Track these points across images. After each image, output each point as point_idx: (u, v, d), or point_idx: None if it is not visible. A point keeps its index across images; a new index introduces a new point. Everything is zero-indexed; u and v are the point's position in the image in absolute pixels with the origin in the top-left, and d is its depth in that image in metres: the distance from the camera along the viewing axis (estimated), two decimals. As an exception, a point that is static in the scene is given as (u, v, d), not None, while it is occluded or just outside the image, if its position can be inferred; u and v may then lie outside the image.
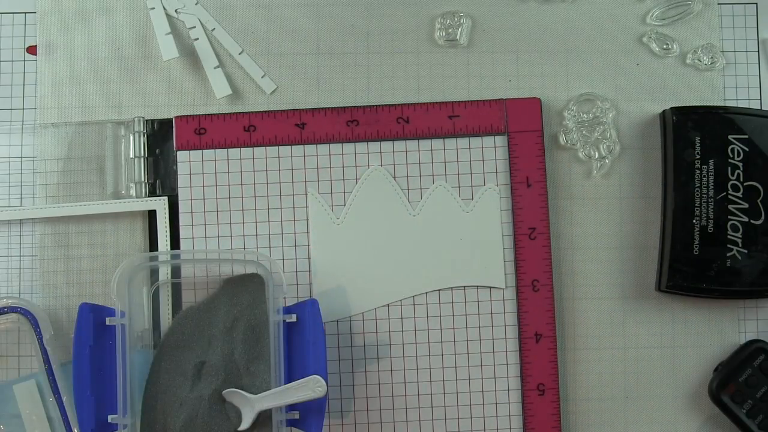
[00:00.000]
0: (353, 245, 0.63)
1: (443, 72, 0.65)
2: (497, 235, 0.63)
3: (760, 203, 0.61)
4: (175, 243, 0.62)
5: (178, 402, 0.59)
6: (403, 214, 0.63)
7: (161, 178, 0.63)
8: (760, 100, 0.66)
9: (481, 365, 0.62)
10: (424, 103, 0.64)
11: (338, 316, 0.62)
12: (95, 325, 0.57)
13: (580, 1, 0.66)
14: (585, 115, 0.64)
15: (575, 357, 0.64)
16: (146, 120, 0.63)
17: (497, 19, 0.66)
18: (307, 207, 0.63)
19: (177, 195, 0.63)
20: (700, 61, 0.65)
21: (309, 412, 0.58)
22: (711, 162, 0.61)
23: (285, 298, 0.60)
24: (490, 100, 0.64)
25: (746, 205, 0.61)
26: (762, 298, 0.64)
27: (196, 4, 0.65)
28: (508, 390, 0.62)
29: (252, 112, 0.64)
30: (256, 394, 0.58)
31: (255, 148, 0.63)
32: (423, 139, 0.64)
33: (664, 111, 0.64)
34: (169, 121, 0.63)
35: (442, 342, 0.62)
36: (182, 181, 0.63)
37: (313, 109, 0.64)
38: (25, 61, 0.65)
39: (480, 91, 0.65)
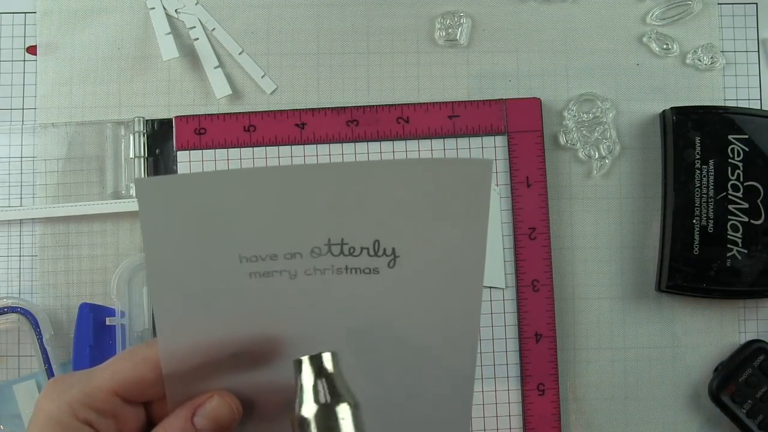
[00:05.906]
0: (353, 245, 0.63)
1: (443, 72, 0.65)
2: (497, 235, 0.63)
3: (760, 203, 0.61)
4: (175, 243, 0.62)
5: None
6: (403, 214, 0.63)
7: (161, 178, 0.63)
8: (760, 100, 0.65)
9: (481, 365, 0.62)
10: (424, 103, 0.64)
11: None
12: (95, 325, 0.57)
13: (580, 1, 0.66)
14: (585, 115, 0.64)
15: (575, 357, 0.63)
16: (146, 120, 0.63)
17: (497, 19, 0.66)
18: (307, 207, 0.63)
19: (177, 195, 0.63)
20: (700, 61, 0.65)
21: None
22: (711, 162, 0.61)
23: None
24: (490, 100, 0.64)
25: (746, 205, 0.61)
26: (762, 298, 0.64)
27: (196, 4, 0.65)
28: (508, 390, 0.62)
29: (252, 112, 0.64)
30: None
31: (255, 148, 0.63)
32: (423, 139, 0.64)
33: (664, 111, 0.64)
34: (169, 121, 0.63)
35: (442, 342, 0.62)
36: (182, 181, 0.63)
37: (313, 109, 0.64)
38: (25, 61, 0.65)
39: (480, 91, 0.65)
